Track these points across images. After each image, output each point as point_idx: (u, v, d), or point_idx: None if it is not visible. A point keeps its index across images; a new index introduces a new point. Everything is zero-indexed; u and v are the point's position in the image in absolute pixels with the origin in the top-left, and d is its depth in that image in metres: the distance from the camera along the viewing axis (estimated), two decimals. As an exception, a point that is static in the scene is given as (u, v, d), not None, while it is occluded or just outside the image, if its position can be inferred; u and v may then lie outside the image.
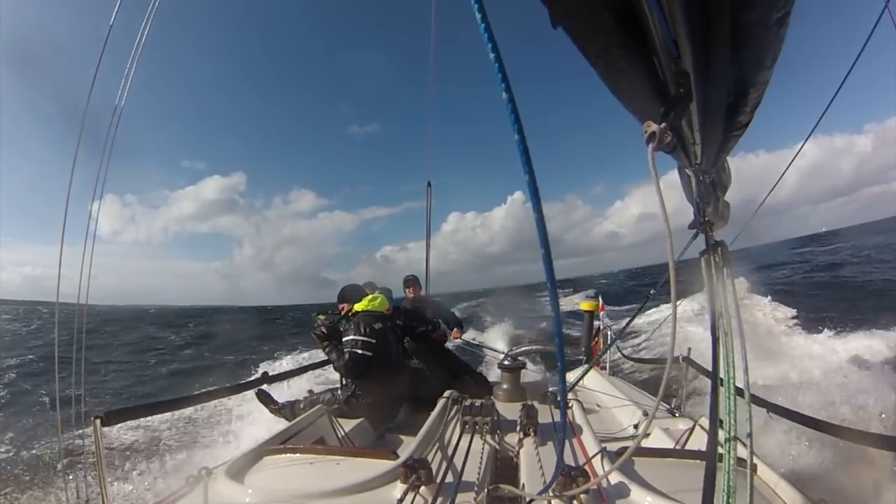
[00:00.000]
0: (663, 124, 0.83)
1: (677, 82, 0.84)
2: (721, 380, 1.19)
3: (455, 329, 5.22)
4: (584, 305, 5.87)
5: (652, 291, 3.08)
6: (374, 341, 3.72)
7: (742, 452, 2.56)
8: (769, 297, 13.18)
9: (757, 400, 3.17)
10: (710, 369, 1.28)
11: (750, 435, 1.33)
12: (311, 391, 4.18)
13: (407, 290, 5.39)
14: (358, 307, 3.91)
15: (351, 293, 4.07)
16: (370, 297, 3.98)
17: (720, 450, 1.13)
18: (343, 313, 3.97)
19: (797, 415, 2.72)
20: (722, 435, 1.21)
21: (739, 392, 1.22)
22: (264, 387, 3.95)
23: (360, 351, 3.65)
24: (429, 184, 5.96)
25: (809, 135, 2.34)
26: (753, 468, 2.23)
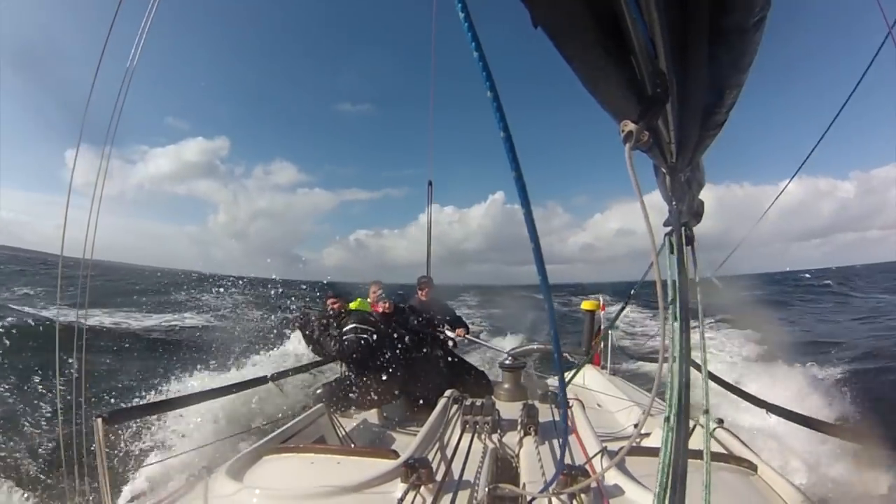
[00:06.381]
0: (640, 123, 0.84)
1: (654, 82, 0.86)
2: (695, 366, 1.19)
3: (459, 328, 5.27)
4: (586, 305, 5.87)
5: (632, 292, 3.10)
6: (373, 329, 4.00)
7: (740, 451, 2.53)
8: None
9: (749, 397, 3.15)
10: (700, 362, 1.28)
11: (707, 420, 1.33)
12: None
13: (420, 291, 5.48)
14: (353, 306, 4.21)
15: (344, 292, 4.43)
16: (359, 300, 4.35)
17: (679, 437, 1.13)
18: (333, 308, 4.29)
19: (793, 413, 2.70)
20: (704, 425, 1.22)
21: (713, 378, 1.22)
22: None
23: (362, 334, 3.92)
24: (430, 183, 5.98)
25: (795, 173, 2.34)
26: (716, 457, 2.23)
